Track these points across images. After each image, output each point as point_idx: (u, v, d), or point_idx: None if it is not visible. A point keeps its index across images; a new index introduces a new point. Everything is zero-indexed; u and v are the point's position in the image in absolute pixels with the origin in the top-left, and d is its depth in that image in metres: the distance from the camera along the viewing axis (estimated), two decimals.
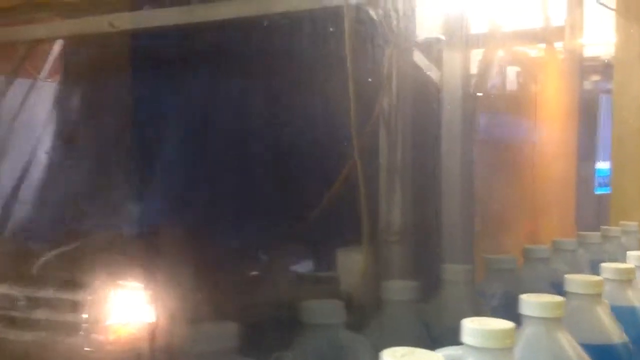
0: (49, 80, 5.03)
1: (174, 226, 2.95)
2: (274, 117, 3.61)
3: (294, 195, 3.31)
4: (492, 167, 4.08)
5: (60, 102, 4.16)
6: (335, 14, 3.36)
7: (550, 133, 4.51)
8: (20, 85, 4.57)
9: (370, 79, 3.21)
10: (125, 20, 4.00)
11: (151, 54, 3.83)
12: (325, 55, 3.52)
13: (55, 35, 4.63)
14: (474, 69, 3.68)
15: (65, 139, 4.30)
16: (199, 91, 3.76)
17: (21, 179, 4.43)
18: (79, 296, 2.68)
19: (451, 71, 3.25)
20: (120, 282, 2.59)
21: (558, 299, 1.36)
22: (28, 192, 4.32)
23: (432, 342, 1.41)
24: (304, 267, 3.00)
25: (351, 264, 2.78)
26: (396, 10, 3.04)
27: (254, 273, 2.87)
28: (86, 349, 2.60)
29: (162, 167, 3.71)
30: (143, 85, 3.82)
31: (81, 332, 2.60)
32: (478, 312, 1.31)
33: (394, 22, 3.04)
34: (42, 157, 4.61)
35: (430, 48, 3.44)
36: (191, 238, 2.65)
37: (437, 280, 2.09)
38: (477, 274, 2.24)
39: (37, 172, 4.60)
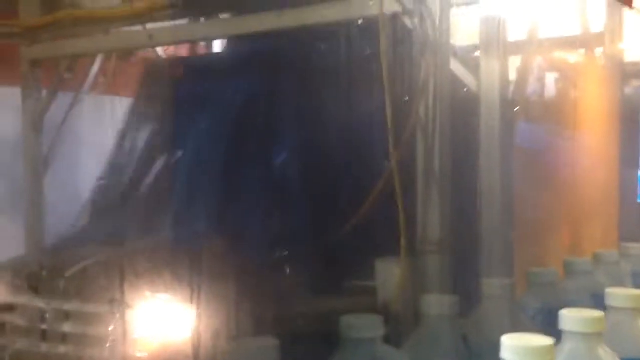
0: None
1: (209, 238, 2.97)
2: (310, 128, 3.63)
3: (331, 206, 3.31)
4: (531, 176, 4.02)
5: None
6: (370, 24, 3.36)
7: (591, 140, 4.43)
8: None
9: (406, 88, 3.20)
10: (164, 34, 4.06)
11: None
12: (361, 64, 3.53)
13: (96, 50, 4.73)
14: (512, 76, 3.63)
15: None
16: (257, 100, 3.81)
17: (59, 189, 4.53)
18: (106, 309, 2.71)
19: (489, 79, 3.21)
20: (150, 294, 2.61)
21: (598, 314, 1.34)
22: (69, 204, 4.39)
23: (471, 358, 1.40)
24: (343, 279, 2.98)
25: (389, 275, 2.76)
26: (432, 19, 3.01)
27: (292, 286, 2.87)
28: None
29: (201, 179, 3.75)
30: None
31: (108, 346, 2.62)
32: (518, 327, 1.29)
33: (431, 31, 3.01)
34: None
35: (468, 56, 3.42)
36: (227, 250, 2.66)
37: (476, 293, 2.06)
38: (518, 287, 2.20)
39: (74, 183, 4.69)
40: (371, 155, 3.31)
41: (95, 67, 5.16)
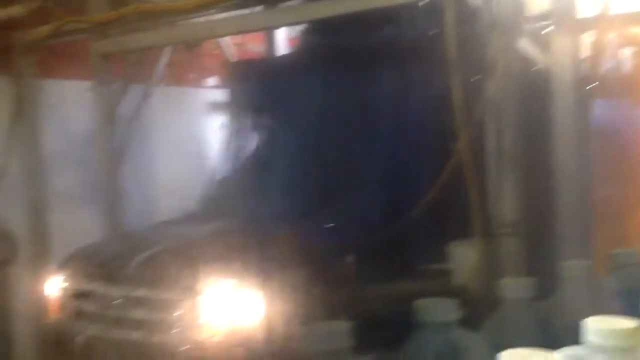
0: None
1: (280, 221, 2.97)
2: (379, 110, 3.60)
3: (401, 189, 3.28)
4: (611, 154, 3.89)
5: None
6: (436, 3, 3.30)
7: None
8: None
9: (474, 68, 3.14)
10: (228, 24, 4.10)
11: None
12: (427, 45, 3.48)
13: (162, 42, 4.80)
14: (585, 53, 3.51)
15: None
16: (341, 88, 3.83)
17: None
18: (175, 295, 2.75)
19: (561, 56, 3.11)
20: (221, 279, 2.62)
21: None
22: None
23: (550, 341, 1.35)
24: (417, 261, 2.95)
25: (464, 258, 2.72)
26: None
27: (366, 270, 2.85)
28: (182, 347, 2.64)
29: (285, 165, 3.77)
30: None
31: (176, 331, 2.65)
32: (599, 310, 1.24)
33: (498, 9, 2.94)
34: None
35: (538, 33, 3.32)
36: (300, 233, 2.66)
37: (554, 275, 2.01)
38: (600, 269, 2.13)
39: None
40: (442, 136, 3.26)
41: (163, 60, 5.25)
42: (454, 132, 2.87)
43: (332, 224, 3.09)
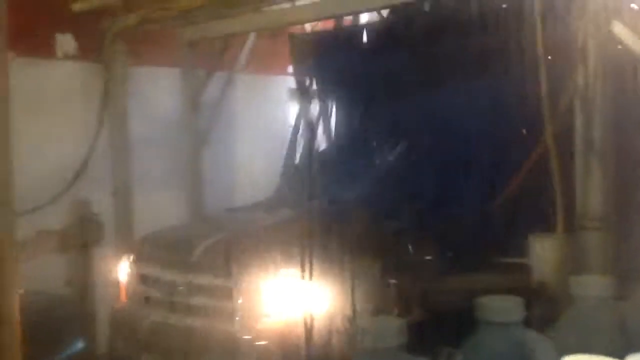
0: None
1: (358, 208, 2.93)
2: (466, 101, 3.51)
3: (484, 181, 3.19)
4: None
5: None
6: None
7: None
8: None
9: (563, 56, 3.01)
10: (311, 9, 4.09)
11: None
12: (512, 31, 3.35)
13: (247, 28, 4.84)
14: None
15: None
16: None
17: None
18: (235, 284, 2.74)
19: None
20: (280, 270, 2.58)
21: None
22: None
23: (626, 345, 1.28)
24: (494, 254, 2.86)
25: (544, 252, 2.61)
26: None
27: (440, 263, 2.78)
28: (243, 336, 2.63)
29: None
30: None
31: (237, 319, 2.64)
32: None
33: None
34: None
35: (634, 18, 3.14)
36: (366, 225, 2.61)
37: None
38: None
39: None
40: (527, 126, 3.14)
41: (247, 47, 5.29)
42: (541, 122, 2.77)
43: (410, 215, 3.01)
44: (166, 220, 3.75)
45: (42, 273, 3.47)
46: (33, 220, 3.62)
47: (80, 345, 3.49)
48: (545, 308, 1.57)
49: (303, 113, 4.61)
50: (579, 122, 2.80)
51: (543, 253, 2.59)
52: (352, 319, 2.31)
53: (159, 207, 4.32)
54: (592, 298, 1.52)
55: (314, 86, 4.58)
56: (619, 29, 2.97)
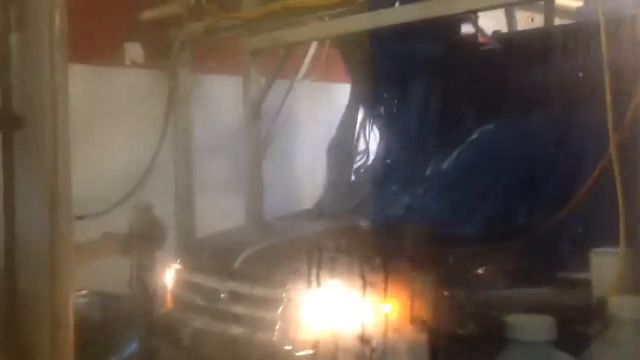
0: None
1: (409, 222, 2.91)
2: (532, 114, 3.47)
3: (545, 194, 3.14)
4: None
5: None
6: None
7: None
8: None
9: (628, 69, 2.93)
10: (372, 19, 4.09)
11: None
12: (578, 46, 3.30)
13: (310, 37, 4.87)
14: None
15: None
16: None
17: None
18: (277, 293, 2.69)
19: None
20: (322, 281, 2.53)
21: None
22: None
23: None
24: (556, 268, 2.80)
25: (606, 268, 2.53)
26: None
27: (501, 274, 2.74)
28: (284, 346, 2.59)
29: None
30: None
31: (277, 328, 2.61)
32: None
33: None
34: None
35: None
36: (427, 237, 2.58)
37: None
38: None
39: None
40: (590, 141, 3.08)
41: (310, 55, 5.34)
42: (606, 135, 2.70)
43: (468, 228, 2.96)
44: (226, 226, 3.81)
45: (107, 275, 3.58)
46: (100, 224, 3.74)
47: (136, 346, 3.55)
48: (603, 327, 1.53)
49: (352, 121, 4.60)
50: None
51: (603, 269, 2.52)
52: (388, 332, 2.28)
53: (220, 213, 4.40)
54: (629, 321, 1.47)
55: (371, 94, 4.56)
56: None
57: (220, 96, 4.82)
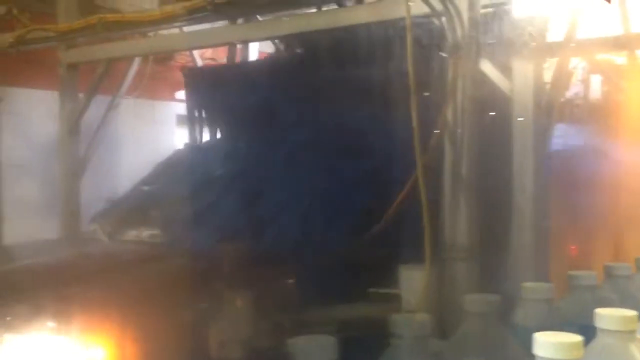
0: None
1: (229, 243, 2.90)
2: (336, 131, 3.59)
3: (356, 213, 3.25)
4: (570, 180, 3.89)
5: None
6: (397, 25, 3.30)
7: (636, 144, 4.27)
8: None
9: (434, 91, 3.13)
10: (200, 36, 4.07)
11: None
12: (387, 67, 3.47)
13: (131, 53, 4.75)
14: (548, 78, 3.51)
15: None
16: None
17: None
18: None
19: (522, 81, 3.10)
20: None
21: (631, 313, 1.39)
22: None
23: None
24: (367, 286, 2.91)
25: (413, 282, 2.68)
26: (461, 20, 2.93)
27: (316, 293, 2.80)
28: None
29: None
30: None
31: None
32: (555, 328, 1.32)
33: (459, 32, 2.93)
34: None
35: (499, 56, 3.32)
36: (246, 256, 2.58)
37: (509, 298, 2.04)
38: (557, 290, 2.15)
39: None
40: (398, 160, 3.23)
41: (132, 71, 5.20)
42: (412, 155, 2.85)
43: (287, 247, 3.00)
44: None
45: None
46: None
47: None
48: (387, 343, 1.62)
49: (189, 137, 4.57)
50: (447, 156, 2.92)
51: (411, 284, 2.67)
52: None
53: (32, 233, 4.17)
54: (407, 337, 1.58)
55: (203, 116, 4.56)
56: (487, 66, 3.13)
57: (34, 111, 4.57)
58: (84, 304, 2.22)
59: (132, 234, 3.28)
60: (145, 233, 3.24)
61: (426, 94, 3.08)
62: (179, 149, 4.47)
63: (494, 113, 3.20)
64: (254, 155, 3.66)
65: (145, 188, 3.93)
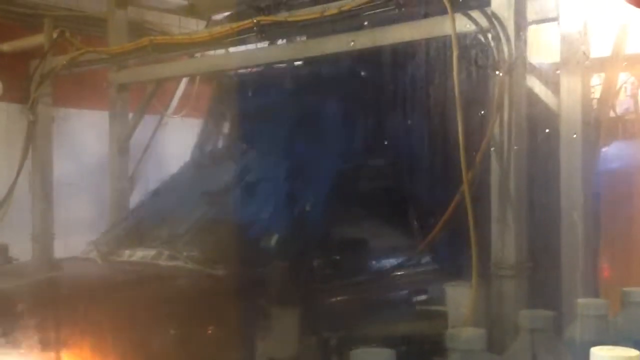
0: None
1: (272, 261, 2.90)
2: (381, 149, 3.60)
3: (402, 228, 3.25)
4: (621, 196, 3.83)
5: None
6: (443, 43, 3.31)
7: None
8: None
9: (480, 107, 3.12)
10: (244, 57, 4.13)
11: None
12: (434, 84, 3.47)
13: (179, 74, 4.84)
14: (596, 94, 3.48)
15: None
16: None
17: None
18: None
19: (570, 97, 3.07)
20: None
21: None
22: None
23: None
24: (413, 303, 2.91)
25: (459, 299, 2.66)
26: (507, 36, 2.93)
27: (361, 311, 2.80)
28: None
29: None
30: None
31: None
32: (610, 344, 1.31)
33: (506, 49, 2.92)
34: None
35: (547, 73, 3.29)
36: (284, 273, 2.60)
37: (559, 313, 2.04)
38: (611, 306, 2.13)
39: None
40: (443, 177, 3.23)
41: (180, 91, 5.31)
42: (459, 171, 2.84)
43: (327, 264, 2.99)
44: None
45: None
46: None
47: None
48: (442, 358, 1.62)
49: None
50: (495, 173, 2.90)
51: (458, 301, 2.65)
52: None
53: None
54: (462, 352, 1.57)
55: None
56: (534, 83, 3.11)
57: (85, 131, 4.68)
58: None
59: (126, 255, 3.26)
60: (140, 254, 3.22)
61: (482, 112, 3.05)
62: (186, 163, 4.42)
63: (541, 129, 3.17)
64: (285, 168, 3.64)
65: (147, 206, 3.91)
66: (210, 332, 2.52)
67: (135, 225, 3.70)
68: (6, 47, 4.70)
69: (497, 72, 2.89)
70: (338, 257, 2.92)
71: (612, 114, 4.05)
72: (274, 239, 3.00)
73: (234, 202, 3.44)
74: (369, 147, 3.60)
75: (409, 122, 3.58)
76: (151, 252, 3.19)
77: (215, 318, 2.55)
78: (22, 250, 3.98)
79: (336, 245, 3.01)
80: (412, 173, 3.51)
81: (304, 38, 3.93)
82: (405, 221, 3.34)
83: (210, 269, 2.89)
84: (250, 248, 3.02)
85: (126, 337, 2.35)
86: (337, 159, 3.47)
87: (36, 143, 4.37)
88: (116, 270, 3.18)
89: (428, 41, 3.51)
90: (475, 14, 2.95)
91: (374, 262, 3.08)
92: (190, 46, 4.02)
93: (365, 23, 3.53)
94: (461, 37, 3.11)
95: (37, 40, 4.62)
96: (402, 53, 3.75)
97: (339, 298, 2.76)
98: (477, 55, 3.24)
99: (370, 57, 3.72)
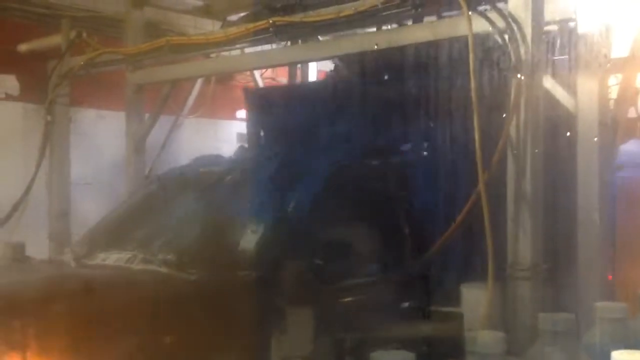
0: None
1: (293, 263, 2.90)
2: (396, 147, 3.60)
3: (416, 229, 3.24)
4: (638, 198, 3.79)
5: None
6: (461, 43, 3.30)
7: None
8: None
9: (497, 108, 3.11)
10: (260, 57, 4.14)
11: None
12: (450, 84, 3.47)
13: (195, 74, 4.85)
14: (613, 94, 3.45)
15: None
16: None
17: None
18: None
19: (587, 97, 3.06)
20: None
21: None
22: None
23: None
24: (428, 304, 2.89)
25: (475, 300, 2.65)
26: (524, 37, 2.91)
27: (375, 312, 2.79)
28: None
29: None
30: None
31: None
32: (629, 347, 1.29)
33: (523, 49, 2.91)
34: None
35: (564, 73, 3.28)
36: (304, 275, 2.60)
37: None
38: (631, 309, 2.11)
39: None
40: (460, 176, 3.22)
41: (195, 91, 5.32)
42: (474, 172, 2.83)
43: (341, 265, 2.98)
44: None
45: None
46: None
47: None
48: None
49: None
50: (510, 174, 2.89)
51: (473, 302, 2.64)
52: None
53: None
54: (481, 355, 1.56)
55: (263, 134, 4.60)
56: (550, 83, 3.10)
57: (102, 131, 4.71)
58: None
59: (99, 258, 3.14)
60: (114, 257, 3.11)
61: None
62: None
63: (558, 130, 3.15)
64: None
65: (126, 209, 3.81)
66: (169, 340, 2.45)
67: (116, 227, 3.57)
68: (24, 47, 4.73)
69: (515, 74, 2.87)
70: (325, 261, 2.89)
71: (634, 113, 4.02)
72: (253, 242, 2.92)
73: (215, 202, 3.38)
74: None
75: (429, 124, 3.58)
76: (126, 255, 3.09)
77: (177, 325, 2.49)
78: (39, 249, 4.00)
79: (330, 248, 2.97)
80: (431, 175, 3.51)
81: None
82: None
83: (184, 273, 2.81)
84: (228, 251, 2.96)
85: (65, 343, 2.31)
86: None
87: (53, 143, 4.40)
88: (83, 273, 3.09)
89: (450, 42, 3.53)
90: (492, 14, 2.94)
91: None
92: (207, 46, 4.04)
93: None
94: (483, 38, 3.11)
95: (54, 40, 4.65)
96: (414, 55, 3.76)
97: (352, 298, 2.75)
98: (499, 58, 3.23)
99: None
